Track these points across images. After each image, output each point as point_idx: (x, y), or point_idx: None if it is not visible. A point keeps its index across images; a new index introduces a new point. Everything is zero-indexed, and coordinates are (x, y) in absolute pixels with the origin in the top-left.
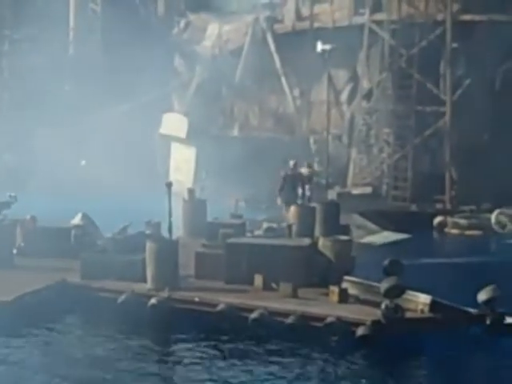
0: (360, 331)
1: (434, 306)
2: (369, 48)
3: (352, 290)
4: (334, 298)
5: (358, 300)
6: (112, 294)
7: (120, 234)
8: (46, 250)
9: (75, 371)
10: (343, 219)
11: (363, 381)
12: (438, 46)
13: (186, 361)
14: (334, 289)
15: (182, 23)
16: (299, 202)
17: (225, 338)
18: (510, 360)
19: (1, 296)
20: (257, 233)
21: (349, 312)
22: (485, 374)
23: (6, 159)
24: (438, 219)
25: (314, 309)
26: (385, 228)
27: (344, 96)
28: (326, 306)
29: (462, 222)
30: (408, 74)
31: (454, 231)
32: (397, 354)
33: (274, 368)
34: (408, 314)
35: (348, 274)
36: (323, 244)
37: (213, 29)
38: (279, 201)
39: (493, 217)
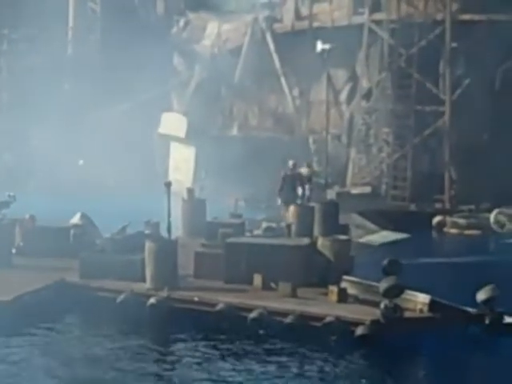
0: (359, 331)
1: (432, 305)
2: (368, 48)
3: (351, 290)
4: (333, 297)
5: (357, 300)
6: (111, 294)
7: (119, 234)
8: (44, 249)
9: (74, 371)
10: (342, 219)
11: (362, 380)
12: (438, 45)
13: (185, 360)
14: (333, 288)
15: (182, 22)
16: (299, 201)
17: (224, 337)
18: (508, 359)
19: (0, 296)
20: (256, 232)
21: (348, 312)
22: (484, 374)
23: (5, 159)
24: (437, 219)
25: (313, 308)
26: (384, 228)
27: (343, 96)
28: (325, 306)
29: (461, 221)
30: (407, 73)
31: (453, 231)
32: (396, 353)
33: (273, 367)
34: (407, 314)
35: (347, 273)
36: (322, 244)
37: (212, 28)
38: (279, 201)
39: (492, 216)
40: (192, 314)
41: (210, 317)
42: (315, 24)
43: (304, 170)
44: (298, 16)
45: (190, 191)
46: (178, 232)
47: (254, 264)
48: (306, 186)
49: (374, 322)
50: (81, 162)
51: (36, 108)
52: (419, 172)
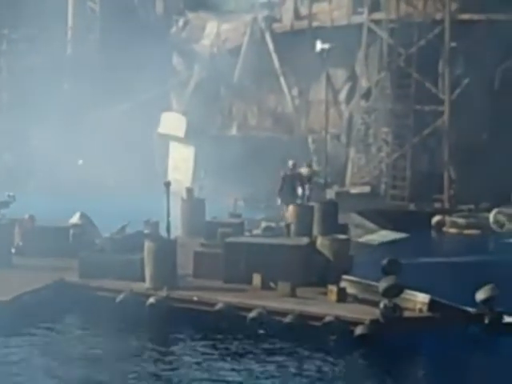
0: (358, 330)
1: (432, 305)
2: (367, 47)
3: (350, 290)
4: (333, 297)
5: (357, 299)
6: (110, 294)
7: (118, 234)
8: (44, 249)
9: (74, 371)
10: (341, 218)
11: (362, 380)
12: (437, 45)
13: (184, 360)
14: (333, 288)
15: (181, 22)
16: (299, 201)
17: (223, 337)
18: (508, 359)
19: None
20: (255, 232)
21: (347, 311)
22: (483, 373)
23: (5, 159)
24: (436, 218)
25: (313, 308)
26: (383, 227)
27: (342, 95)
28: (325, 305)
29: (461, 221)
30: (406, 73)
31: (453, 230)
32: (395, 353)
33: (272, 367)
34: (406, 314)
35: (346, 273)
36: (321, 243)
37: (211, 28)
38: (279, 201)
39: (491, 216)
40: (191, 314)
41: (210, 316)
42: (314, 24)
43: (304, 170)
44: (297, 16)
45: (190, 191)
46: (177, 232)
47: (253, 264)
48: (306, 186)
49: (374, 322)
50: (80, 161)
51: (36, 108)
52: (418, 171)
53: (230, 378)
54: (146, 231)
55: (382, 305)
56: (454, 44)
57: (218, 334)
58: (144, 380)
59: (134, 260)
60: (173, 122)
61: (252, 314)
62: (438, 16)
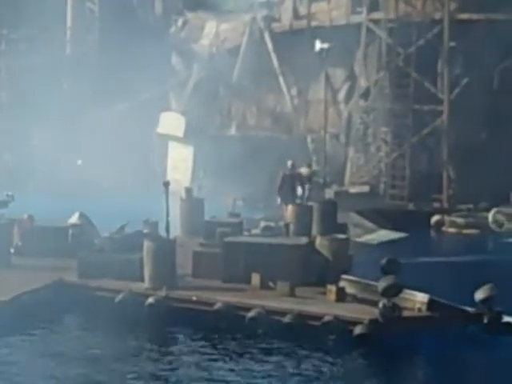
0: (357, 330)
1: (431, 304)
2: (366, 47)
3: (349, 289)
4: (332, 296)
5: (356, 299)
6: (109, 293)
7: (117, 234)
8: (43, 249)
9: (73, 371)
10: (340, 218)
11: (361, 380)
12: (436, 44)
13: (183, 360)
14: (332, 288)
15: (180, 22)
16: (298, 201)
17: (222, 336)
18: (507, 358)
19: None
20: (254, 232)
21: (346, 311)
22: (482, 373)
23: (4, 159)
24: (435, 218)
25: (312, 308)
26: (382, 227)
27: (341, 95)
28: (324, 305)
29: (460, 220)
30: (405, 72)
31: (452, 230)
32: (394, 352)
33: (271, 367)
34: (405, 313)
35: (345, 272)
36: (320, 243)
37: (210, 27)
38: (279, 200)
39: (490, 216)
40: (190, 314)
41: (208, 316)
42: (313, 23)
43: (304, 170)
44: (296, 15)
45: (189, 190)
46: (176, 231)
47: (252, 263)
48: (306, 186)
49: (373, 322)
50: (79, 161)
51: (35, 108)
52: (417, 171)
53: (228, 378)
54: (145, 231)
55: (381, 304)
56: (452, 44)
57: (216, 334)
58: (143, 380)
59: (133, 260)
60: (172, 122)
61: (251, 314)
62: (437, 16)
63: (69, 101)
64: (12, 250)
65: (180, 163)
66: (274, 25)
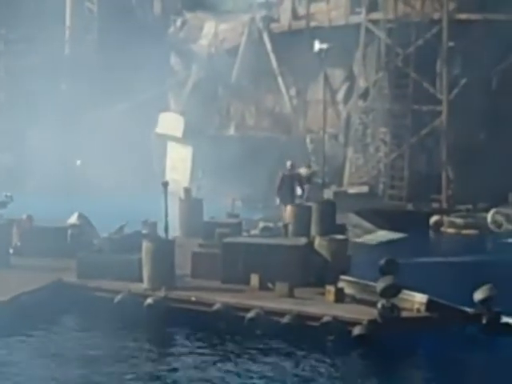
0: (356, 331)
1: (430, 305)
2: (365, 47)
3: (348, 290)
4: (331, 297)
5: (355, 299)
6: (108, 294)
7: (116, 234)
8: (42, 249)
9: (71, 371)
10: (339, 218)
11: (359, 380)
12: (435, 45)
13: (182, 360)
14: (331, 288)
15: (179, 22)
16: (298, 201)
17: (221, 337)
18: (506, 359)
19: None
20: (253, 232)
21: (345, 311)
22: (481, 373)
23: (3, 159)
24: (434, 218)
25: (311, 308)
26: (381, 227)
27: (340, 95)
28: (323, 306)
29: (459, 221)
30: (404, 73)
31: (451, 230)
32: (393, 353)
33: (269, 367)
34: (404, 314)
35: (344, 273)
36: (319, 243)
37: (209, 27)
38: (278, 201)
39: (489, 216)
40: (189, 314)
41: (207, 317)
42: (312, 24)
43: (303, 171)
44: (295, 16)
45: (187, 191)
46: (175, 232)
47: (251, 264)
48: (305, 186)
49: (372, 322)
50: (78, 162)
51: (34, 108)
52: (416, 172)
53: (227, 379)
54: (144, 231)
55: (379, 305)
56: (451, 44)
57: (215, 335)
58: (142, 381)
59: (132, 260)
60: (171, 122)
61: (250, 315)
62: (436, 16)
63: (67, 101)
64: (11, 251)
65: (179, 163)
66: (273, 25)
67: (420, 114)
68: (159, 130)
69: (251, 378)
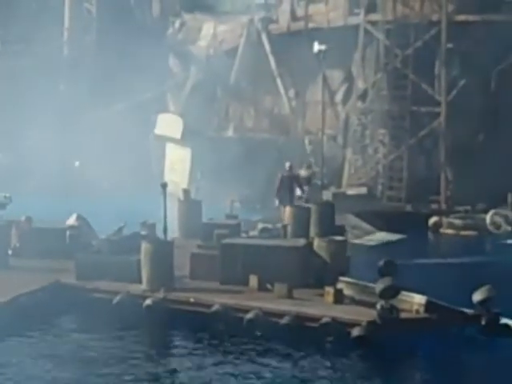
0: (355, 332)
1: (429, 306)
2: (364, 48)
3: (347, 291)
4: (330, 298)
5: (354, 300)
6: (107, 295)
7: (115, 235)
8: (41, 250)
9: (70, 372)
10: (338, 220)
11: (358, 381)
12: (433, 46)
13: (180, 361)
14: (330, 289)
15: (177, 23)
16: (298, 202)
17: (220, 338)
18: (505, 360)
19: None
20: (252, 233)
21: (344, 312)
22: (480, 374)
23: (1, 159)
24: (433, 219)
25: (310, 309)
26: (380, 228)
27: (339, 96)
28: (322, 307)
29: (457, 222)
30: (403, 74)
31: (449, 231)
32: (392, 354)
33: (268, 368)
34: (403, 315)
35: (343, 274)
36: (318, 245)
37: (208, 29)
38: (277, 202)
39: (488, 217)
40: (188, 315)
41: (206, 318)
42: (311, 25)
43: (304, 172)
44: (293, 17)
45: (186, 192)
46: (173, 233)
47: (250, 265)
48: (305, 188)
49: (370, 323)
50: (77, 163)
51: (32, 109)
52: (415, 173)
53: (226, 380)
54: (142, 233)
55: (378, 306)
56: (450, 45)
57: (214, 336)
58: (141, 381)
59: (130, 262)
60: (169, 124)
61: (249, 316)
62: (435, 17)
63: (66, 102)
64: (10, 252)
65: (177, 165)
66: (272, 26)
67: (419, 115)
68: (158, 131)
69: (250, 378)
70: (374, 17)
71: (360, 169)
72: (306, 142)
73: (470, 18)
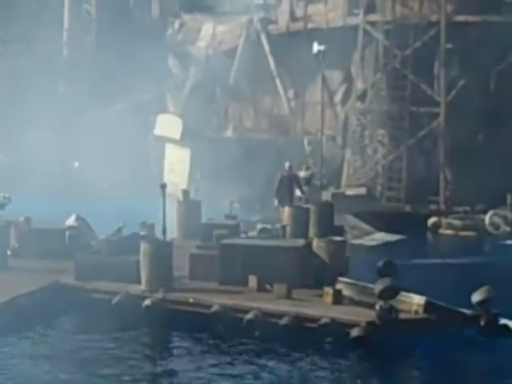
0: (354, 332)
1: (428, 306)
2: (363, 49)
3: (346, 291)
4: (329, 299)
5: (353, 301)
6: (106, 296)
7: (114, 236)
8: (40, 251)
9: (69, 373)
10: (337, 220)
11: (358, 382)
12: (432, 46)
13: (180, 362)
14: (329, 290)
15: (177, 24)
16: (297, 203)
17: (219, 339)
18: (504, 360)
19: None
20: (251, 234)
21: (343, 313)
22: (479, 375)
23: (0, 160)
24: (432, 220)
25: (309, 310)
26: (379, 229)
27: (338, 97)
28: (321, 307)
29: (456, 222)
30: (402, 74)
31: (448, 232)
32: (391, 354)
33: (267, 369)
34: (402, 315)
35: (342, 275)
36: (317, 245)
37: (207, 29)
38: (276, 202)
39: (487, 218)
40: (187, 316)
41: (205, 318)
42: (310, 25)
43: (303, 173)
44: (292, 17)
45: (185, 193)
46: (173, 233)
47: (249, 265)
48: (304, 188)
49: (370, 324)
50: (76, 164)
51: (31, 109)
52: (414, 173)
53: (225, 380)
54: (141, 233)
55: (377, 307)
56: (449, 46)
57: (213, 336)
58: (140, 382)
59: (129, 262)
60: (169, 124)
61: (248, 316)
62: (434, 18)
63: (65, 102)
64: (9, 252)
65: (177, 165)
66: (271, 27)
67: (418, 115)
68: (157, 131)
69: (249, 379)
70: (373, 17)
71: (359, 169)
72: (306, 142)
73: (470, 18)
